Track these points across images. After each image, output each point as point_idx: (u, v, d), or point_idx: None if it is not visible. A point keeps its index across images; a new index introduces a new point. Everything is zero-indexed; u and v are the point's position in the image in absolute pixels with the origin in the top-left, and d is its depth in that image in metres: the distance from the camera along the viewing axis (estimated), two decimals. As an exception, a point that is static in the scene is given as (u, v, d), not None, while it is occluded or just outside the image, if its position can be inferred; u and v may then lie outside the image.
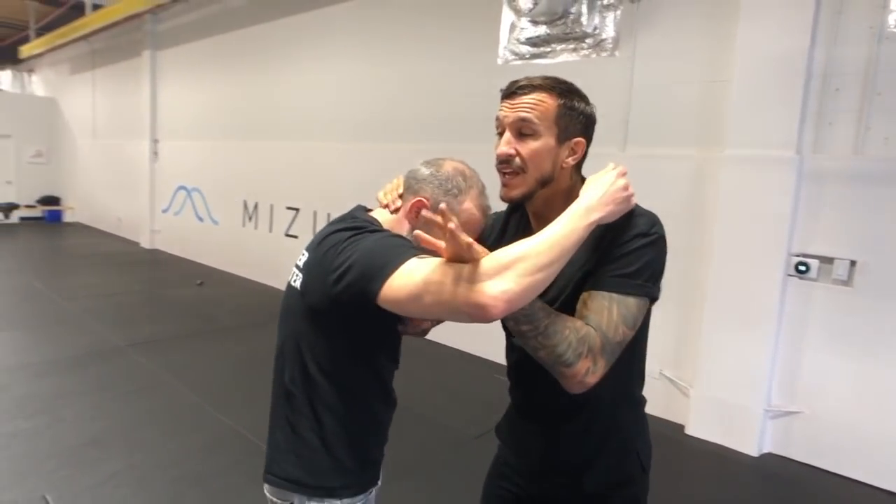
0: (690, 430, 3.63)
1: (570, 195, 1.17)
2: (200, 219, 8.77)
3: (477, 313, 0.91)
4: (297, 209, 6.66)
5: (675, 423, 3.72)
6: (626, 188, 1.12)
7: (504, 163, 1.17)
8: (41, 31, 12.03)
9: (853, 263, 3.14)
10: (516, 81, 1.18)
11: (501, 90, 1.20)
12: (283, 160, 7.04)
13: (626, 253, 1.09)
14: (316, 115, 6.53)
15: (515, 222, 1.35)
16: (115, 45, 10.51)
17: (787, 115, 3.26)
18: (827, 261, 3.23)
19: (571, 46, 4.16)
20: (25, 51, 12.24)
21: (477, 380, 4.43)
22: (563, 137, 1.17)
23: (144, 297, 6.61)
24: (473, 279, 0.91)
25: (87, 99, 11.82)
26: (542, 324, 1.03)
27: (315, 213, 6.43)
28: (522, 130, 1.15)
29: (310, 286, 1.17)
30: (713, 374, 3.55)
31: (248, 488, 2.75)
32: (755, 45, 3.34)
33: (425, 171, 1.26)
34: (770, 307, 3.33)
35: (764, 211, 3.33)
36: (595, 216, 1.05)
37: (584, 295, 1.11)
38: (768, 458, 3.42)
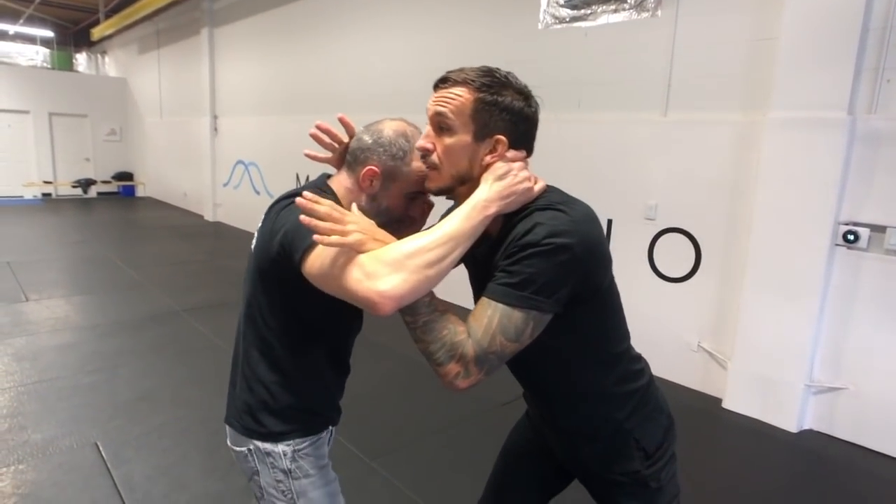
0: (728, 404, 3.53)
1: None
2: (257, 192, 9.10)
3: (368, 308, 0.98)
4: (343, 181, 6.80)
5: (713, 397, 3.62)
6: (528, 179, 1.10)
7: (423, 157, 1.17)
8: (110, 14, 12.62)
9: (907, 232, 2.93)
10: (442, 75, 1.15)
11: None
12: (332, 133, 7.18)
13: (515, 262, 1.03)
14: (363, 88, 6.60)
15: None
16: (176, 24, 10.93)
17: (838, 73, 3.03)
18: (879, 229, 3.02)
19: (612, 7, 4.00)
20: (96, 33, 12.88)
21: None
22: (481, 135, 1.11)
23: (203, 267, 6.98)
24: (369, 273, 0.97)
25: (153, 78, 12.39)
26: (421, 319, 1.04)
27: (360, 185, 6.55)
28: (440, 125, 1.13)
29: (258, 249, 1.23)
30: (753, 347, 3.42)
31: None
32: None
33: (368, 139, 1.26)
34: (815, 278, 3.16)
35: (810, 177, 3.14)
36: (492, 209, 1.06)
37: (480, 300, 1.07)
38: (808, 434, 3.28)
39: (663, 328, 3.84)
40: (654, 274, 3.93)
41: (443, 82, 1.14)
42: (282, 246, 1.12)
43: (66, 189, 13.02)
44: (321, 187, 1.26)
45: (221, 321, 4.81)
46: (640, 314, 3.92)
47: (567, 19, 4.28)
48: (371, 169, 1.23)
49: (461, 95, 1.11)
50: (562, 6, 4.27)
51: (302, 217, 1.01)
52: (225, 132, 9.95)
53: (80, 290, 5.65)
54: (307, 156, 1.33)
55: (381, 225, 1.11)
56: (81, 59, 16.05)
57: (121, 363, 3.85)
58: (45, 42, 15.36)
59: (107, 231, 9.24)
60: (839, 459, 3.07)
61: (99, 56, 15.64)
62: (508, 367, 1.25)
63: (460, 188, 1.14)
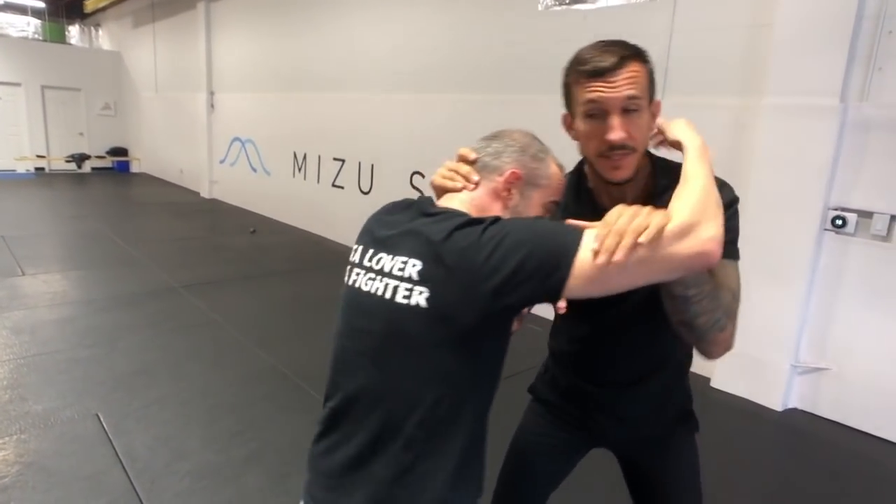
0: (716, 384, 3.62)
1: (644, 165, 1.20)
2: (254, 169, 9.08)
3: (701, 261, 0.88)
4: (342, 160, 6.81)
5: (701, 376, 3.70)
6: None
7: (620, 148, 1.09)
8: (104, -14, 12.42)
9: (893, 218, 2.99)
10: (601, 56, 1.08)
11: (582, 68, 1.09)
12: (330, 111, 7.17)
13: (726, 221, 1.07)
14: (361, 66, 6.57)
15: (584, 201, 1.28)
16: (172, -2, 10.79)
17: (832, 60, 3.06)
18: (866, 215, 3.08)
19: (611, -10, 4.00)
20: (90, 5, 12.70)
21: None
22: (649, 103, 1.13)
23: (200, 244, 7.00)
24: (683, 230, 0.87)
25: (148, 52, 12.25)
26: (707, 287, 1.02)
27: (359, 164, 6.56)
28: (629, 107, 1.08)
29: (449, 301, 0.91)
30: (741, 328, 3.43)
31: (278, 415, 2.99)
32: (803, -16, 3.14)
33: (498, 144, 1.10)
34: (803, 262, 3.22)
35: (802, 162, 3.19)
36: (708, 151, 1.05)
37: None
38: (793, 413, 3.38)
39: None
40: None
41: (622, 64, 1.06)
42: (523, 278, 0.88)
43: (59, 164, 12.93)
44: (450, 209, 1.03)
45: (219, 297, 4.85)
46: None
47: (567, 1, 4.28)
48: (514, 172, 1.06)
49: (639, 72, 1.08)
50: (562, -13, 4.26)
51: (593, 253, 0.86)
52: (222, 108, 9.89)
53: (76, 265, 5.68)
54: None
55: None
56: (74, 32, 15.81)
57: (119, 337, 3.90)
58: (37, 13, 15.11)
59: (102, 207, 9.23)
60: (821, 437, 3.16)
61: (92, 29, 15.41)
62: (590, 339, 1.33)
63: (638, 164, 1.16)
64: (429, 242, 0.94)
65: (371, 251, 1.04)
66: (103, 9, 13.16)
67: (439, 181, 1.12)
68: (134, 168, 13.80)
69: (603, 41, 1.12)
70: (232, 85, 9.50)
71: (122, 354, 3.63)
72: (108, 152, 13.63)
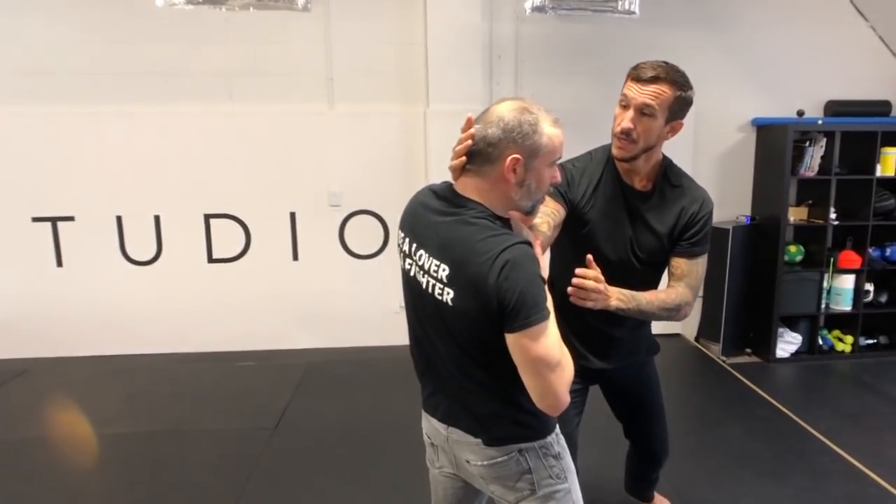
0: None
1: (655, 160, 1.65)
2: None
3: (546, 402, 1.20)
4: None
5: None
6: None
7: (625, 133, 1.54)
8: None
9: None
10: (645, 69, 1.51)
11: (632, 71, 1.54)
12: None
13: (702, 227, 1.66)
14: None
15: (609, 177, 1.69)
16: None
17: (472, 75, 4.00)
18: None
19: (256, -5, 3.84)
20: None
21: (223, 377, 3.94)
22: (669, 119, 1.56)
23: None
24: (563, 386, 1.19)
25: None
26: (646, 316, 1.62)
27: None
28: (644, 111, 1.52)
29: (467, 305, 1.19)
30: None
31: None
32: (442, 18, 3.92)
33: (494, 131, 1.20)
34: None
35: (466, 156, 4.04)
36: None
37: (680, 262, 1.66)
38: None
39: (361, 299, 4.27)
40: (346, 254, 4.23)
41: (650, 79, 1.49)
42: (510, 309, 1.13)
43: None
44: (488, 219, 1.23)
45: None
46: (335, 291, 4.22)
47: (199, 1, 3.84)
48: (514, 158, 1.19)
49: (666, 91, 1.50)
50: (192, -16, 3.79)
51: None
52: None
53: None
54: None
55: (533, 208, 1.30)
56: None
57: None
58: None
59: None
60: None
61: None
62: (581, 312, 1.59)
63: (642, 155, 1.59)
64: (457, 250, 1.20)
65: (414, 245, 1.30)
66: None
67: (453, 164, 1.30)
68: None
69: (659, 61, 1.54)
70: None
71: None
72: None
